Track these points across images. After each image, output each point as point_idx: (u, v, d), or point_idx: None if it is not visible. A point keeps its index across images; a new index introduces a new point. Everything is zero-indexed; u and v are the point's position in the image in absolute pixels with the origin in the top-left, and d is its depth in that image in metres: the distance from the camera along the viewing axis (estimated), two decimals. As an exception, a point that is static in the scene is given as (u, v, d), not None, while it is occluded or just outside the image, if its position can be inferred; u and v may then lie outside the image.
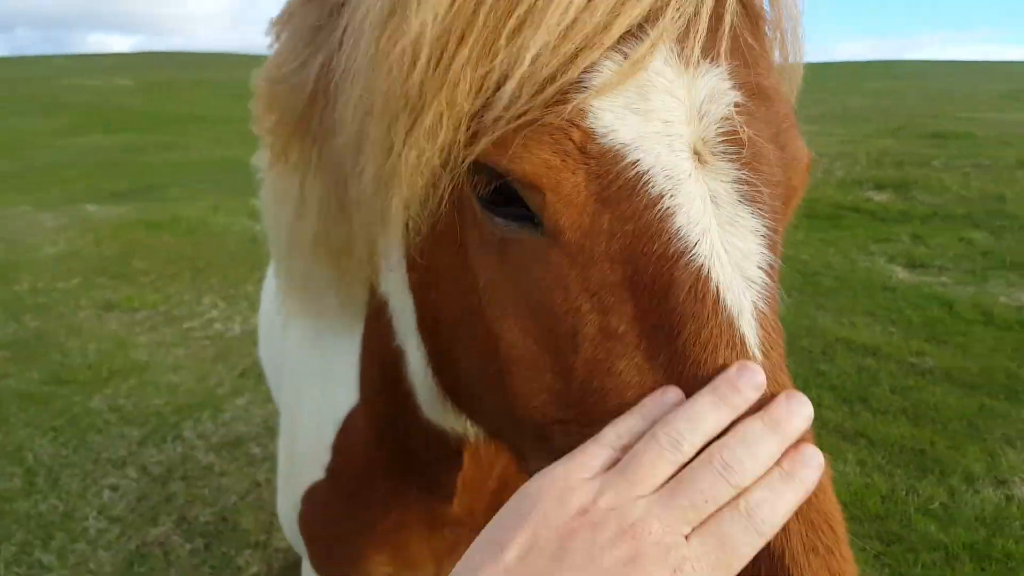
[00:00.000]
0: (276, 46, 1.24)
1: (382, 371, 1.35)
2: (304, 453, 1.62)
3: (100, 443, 4.54)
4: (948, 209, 9.00)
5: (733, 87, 0.82)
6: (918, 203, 9.32)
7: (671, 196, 0.77)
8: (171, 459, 4.38)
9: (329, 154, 1.14)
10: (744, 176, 0.80)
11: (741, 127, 0.80)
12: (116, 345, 5.99)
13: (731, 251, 0.78)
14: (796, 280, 6.80)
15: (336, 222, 1.19)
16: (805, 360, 5.34)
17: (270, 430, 4.58)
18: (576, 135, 0.77)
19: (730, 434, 0.70)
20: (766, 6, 0.93)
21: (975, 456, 4.16)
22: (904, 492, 3.87)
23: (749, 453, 0.68)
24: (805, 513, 0.69)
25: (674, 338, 0.75)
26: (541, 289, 0.80)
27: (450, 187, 0.84)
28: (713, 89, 0.80)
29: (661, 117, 0.78)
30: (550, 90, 0.77)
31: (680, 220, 0.76)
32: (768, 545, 0.67)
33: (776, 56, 0.96)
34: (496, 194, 0.82)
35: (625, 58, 0.78)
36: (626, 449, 0.71)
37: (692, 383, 0.73)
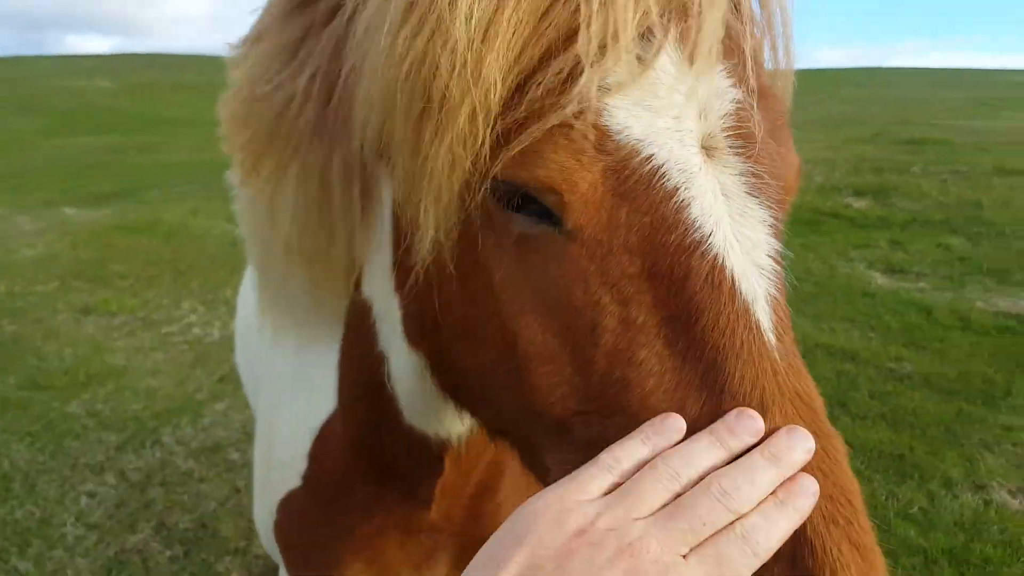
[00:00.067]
0: (247, 66, 1.23)
1: (363, 377, 1.34)
2: (280, 460, 1.61)
3: (78, 449, 4.50)
4: (926, 215, 9.09)
5: (733, 85, 0.85)
6: (897, 209, 9.41)
7: (685, 189, 0.80)
8: (150, 465, 4.34)
9: (311, 162, 1.15)
10: (750, 169, 0.84)
11: (745, 122, 0.83)
12: (94, 349, 5.94)
13: (742, 240, 0.82)
14: (776, 285, 6.79)
15: (313, 230, 1.19)
16: (785, 365, 5.34)
17: (249, 436, 4.55)
18: (592, 133, 0.80)
19: (731, 465, 0.71)
20: (756, 9, 0.96)
21: (953, 461, 4.20)
22: (884, 497, 3.89)
23: (748, 481, 0.70)
24: (824, 487, 0.72)
25: (692, 325, 0.77)
26: (560, 285, 0.83)
27: (480, 189, 0.85)
28: (716, 87, 0.84)
29: (671, 113, 0.81)
30: (569, 91, 0.79)
31: (695, 211, 0.80)
32: None
33: (767, 57, 0.98)
34: (512, 195, 0.84)
35: (635, 58, 0.80)
36: (624, 473, 0.73)
37: (711, 368, 0.76)
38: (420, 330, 1.10)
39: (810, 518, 0.70)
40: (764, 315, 0.79)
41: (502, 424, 1.06)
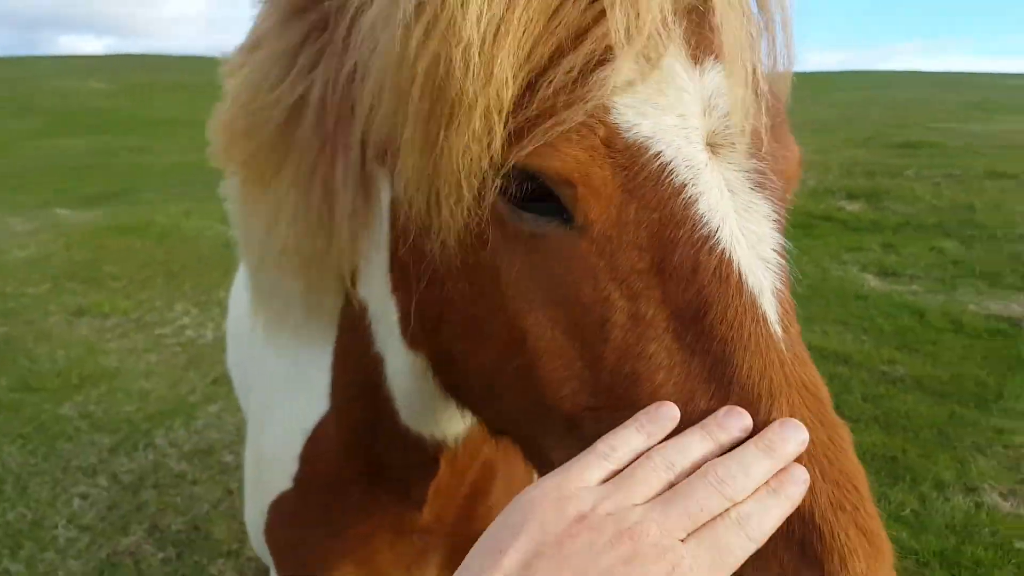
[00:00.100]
0: (245, 74, 1.21)
1: (358, 377, 1.34)
2: (271, 463, 1.61)
3: (70, 451, 4.49)
4: (919, 218, 9.11)
5: (735, 83, 0.86)
6: (890, 212, 9.43)
7: (693, 185, 0.82)
8: (142, 467, 4.33)
9: (315, 168, 1.14)
10: (753, 165, 0.87)
11: (747, 120, 0.85)
12: (86, 351, 5.92)
13: (748, 235, 0.84)
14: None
15: (312, 233, 1.18)
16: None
17: (243, 438, 4.51)
18: (601, 131, 0.81)
19: (727, 455, 0.74)
20: (754, 8, 0.97)
21: (945, 464, 4.21)
22: (876, 499, 3.87)
23: (742, 470, 0.72)
24: (829, 474, 0.74)
25: (700, 319, 0.79)
26: (570, 282, 0.84)
27: (492, 187, 0.86)
28: (718, 85, 0.85)
29: (677, 111, 0.83)
30: (579, 89, 0.80)
31: (702, 207, 0.82)
32: (798, 507, 0.72)
33: (765, 56, 0.99)
34: (524, 192, 0.85)
35: (643, 57, 0.82)
36: (620, 461, 0.75)
37: (719, 361, 0.78)
38: (421, 330, 1.10)
39: (818, 504, 0.72)
40: (770, 307, 0.81)
41: (505, 422, 1.07)
